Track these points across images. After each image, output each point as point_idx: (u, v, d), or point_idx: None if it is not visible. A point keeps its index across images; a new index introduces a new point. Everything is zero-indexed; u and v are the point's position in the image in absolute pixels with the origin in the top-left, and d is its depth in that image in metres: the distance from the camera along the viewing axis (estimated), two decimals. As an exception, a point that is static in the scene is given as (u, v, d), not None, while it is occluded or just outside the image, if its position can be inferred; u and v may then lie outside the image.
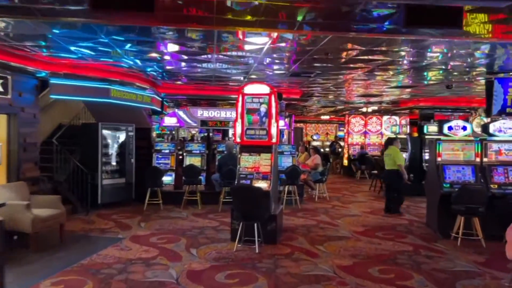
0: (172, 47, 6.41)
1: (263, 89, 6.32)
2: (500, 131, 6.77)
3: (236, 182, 6.26)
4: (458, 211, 6.24)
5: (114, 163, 8.96)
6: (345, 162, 17.13)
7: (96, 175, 8.39)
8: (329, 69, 7.57)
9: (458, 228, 6.29)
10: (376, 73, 8.20)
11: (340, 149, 18.77)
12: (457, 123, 6.93)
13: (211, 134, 11.10)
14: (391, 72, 8.07)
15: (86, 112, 9.82)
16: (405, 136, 11.92)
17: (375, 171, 12.19)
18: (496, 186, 6.56)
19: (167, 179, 9.44)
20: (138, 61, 7.20)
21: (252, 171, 6.36)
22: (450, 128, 6.94)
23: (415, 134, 12.31)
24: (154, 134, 19.33)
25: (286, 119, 11.66)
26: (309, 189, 11.00)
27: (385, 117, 16.98)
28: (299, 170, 9.28)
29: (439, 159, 6.93)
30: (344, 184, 14.14)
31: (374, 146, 17.08)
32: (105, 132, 8.81)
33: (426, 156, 11.74)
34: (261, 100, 6.32)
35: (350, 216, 8.46)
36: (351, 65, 7.44)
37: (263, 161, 6.35)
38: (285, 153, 9.93)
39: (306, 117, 23.45)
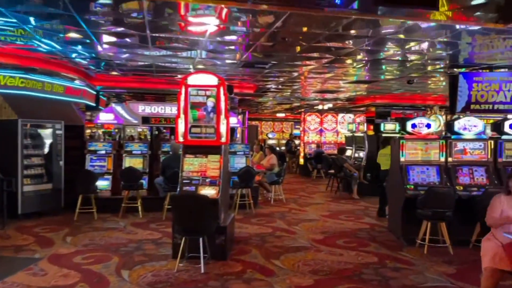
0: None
1: (210, 80, 5.44)
2: (465, 129, 6.37)
3: (178, 189, 5.34)
4: (424, 216, 5.73)
5: (38, 166, 7.68)
6: (301, 161, 16.62)
7: (14, 181, 7.10)
8: (285, 59, 6.83)
9: (424, 234, 5.79)
10: (333, 64, 7.57)
11: (296, 148, 18.26)
12: (421, 120, 6.45)
13: (160, 133, 10.02)
14: (348, 62, 7.45)
15: (6, 108, 8.42)
16: (361, 134, 11.52)
17: (332, 171, 11.70)
18: (461, 187, 6.13)
19: (103, 183, 8.30)
20: (55, 45, 6.04)
21: (198, 175, 5.46)
22: (413, 125, 6.45)
23: (371, 132, 11.95)
24: (100, 132, 17.78)
25: (239, 116, 10.87)
26: (264, 191, 10.26)
27: (340, 115, 16.66)
28: (253, 171, 8.50)
29: (402, 159, 6.41)
30: (300, 184, 13.57)
31: (330, 145, 16.71)
32: (28, 130, 7.53)
33: (383, 155, 11.46)
34: (208, 93, 5.44)
35: (308, 221, 7.80)
36: (308, 55, 6.76)
37: (211, 164, 5.48)
38: (238, 153, 9.11)
39: (261, 114, 22.80)
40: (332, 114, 16.81)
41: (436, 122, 11.46)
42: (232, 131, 10.47)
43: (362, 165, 11.09)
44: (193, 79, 5.44)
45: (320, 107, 14.68)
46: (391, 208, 6.97)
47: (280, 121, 23.82)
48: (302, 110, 17.30)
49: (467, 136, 6.37)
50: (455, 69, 6.78)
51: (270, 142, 21.74)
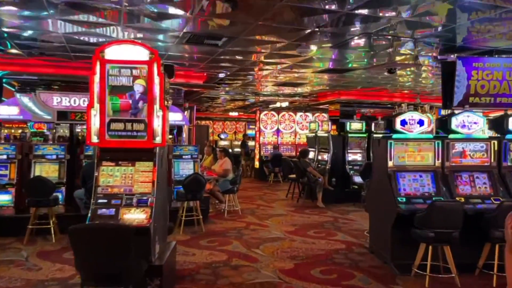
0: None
1: (139, 53, 3.78)
2: (463, 126, 5.20)
3: (89, 215, 3.63)
4: (425, 238, 4.44)
5: None
6: (257, 164, 15.19)
7: None
8: (242, 31, 5.27)
9: (422, 259, 4.52)
10: (296, 50, 6.19)
11: (250, 150, 16.81)
12: (412, 115, 5.22)
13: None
14: (311, 45, 6.04)
15: None
16: (325, 135, 10.27)
17: (293, 175, 10.35)
18: (462, 199, 4.94)
19: (4, 198, 6.30)
20: None
21: (120, 192, 3.77)
22: (403, 122, 5.20)
23: (334, 133, 10.75)
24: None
25: (186, 112, 9.19)
26: (216, 202, 8.66)
27: (298, 114, 15.45)
28: (203, 180, 6.89)
29: (390, 164, 5.12)
30: (257, 191, 12.11)
31: (287, 146, 15.45)
32: None
33: (349, 157, 10.28)
34: (135, 73, 3.78)
35: (271, 240, 6.32)
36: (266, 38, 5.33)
37: (140, 175, 3.82)
38: (184, 157, 7.44)
39: (212, 113, 21.11)
40: (290, 113, 15.55)
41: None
42: (179, 130, 8.76)
43: (326, 169, 9.83)
44: (113, 52, 3.75)
45: (278, 104, 13.36)
46: (374, 225, 5.67)
47: (233, 120, 22.27)
48: (257, 108, 15.90)
49: (467, 135, 5.21)
50: (451, 55, 5.65)
51: (223, 143, 20.11)
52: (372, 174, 5.73)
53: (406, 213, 4.70)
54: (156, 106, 3.76)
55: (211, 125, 21.70)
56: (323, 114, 15.09)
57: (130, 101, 3.77)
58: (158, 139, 3.78)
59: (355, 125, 10.26)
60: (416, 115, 5.21)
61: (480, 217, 4.65)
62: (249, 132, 21.39)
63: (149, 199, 3.70)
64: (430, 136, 5.28)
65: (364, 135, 10.27)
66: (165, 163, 4.24)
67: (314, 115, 15.37)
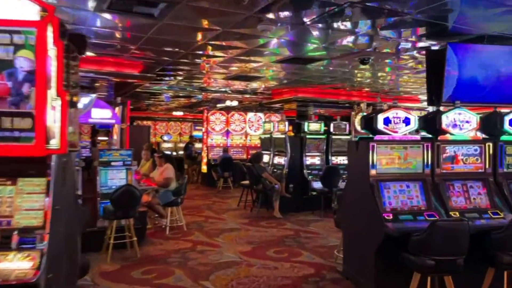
0: None
1: (23, 8, 2.43)
2: (454, 126, 4.36)
3: None
4: (423, 267, 3.49)
5: None
6: (204, 168, 13.89)
7: None
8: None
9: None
10: (257, 26, 5.09)
11: (196, 153, 15.45)
12: (396, 113, 4.31)
13: None
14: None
15: None
16: (282, 136, 9.26)
17: (245, 182, 9.23)
18: (457, 213, 4.08)
19: None
20: None
21: (-10, 226, 2.40)
22: (387, 121, 4.27)
23: (290, 134, 9.78)
24: None
25: (118, 109, 7.68)
26: (156, 216, 7.30)
27: (250, 114, 14.38)
28: (137, 192, 5.53)
29: (373, 172, 4.14)
30: (204, 199, 10.83)
31: (238, 149, 14.30)
32: None
33: (307, 160, 9.36)
34: (16, 39, 2.42)
35: (225, 267, 5.12)
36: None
37: (24, 200, 2.46)
38: (114, 163, 5.99)
39: (154, 112, 19.45)
40: (240, 113, 14.44)
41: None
42: (108, 130, 7.27)
43: (283, 174, 8.81)
44: (-24, 4, 2.37)
45: (227, 103, 12.18)
46: (350, 245, 4.67)
47: (178, 121, 20.71)
48: (205, 107, 14.60)
49: (458, 136, 4.37)
50: (437, 42, 4.81)
51: (166, 146, 18.54)
52: (346, 184, 4.73)
53: (397, 234, 3.73)
54: (51, 92, 2.44)
55: (153, 125, 19.99)
56: (276, 115, 14.16)
57: (9, 84, 2.41)
58: (54, 143, 2.45)
59: (313, 125, 9.36)
60: (402, 113, 4.29)
61: (480, 235, 3.80)
62: (196, 133, 19.99)
63: (38, 238, 2.36)
64: (419, 137, 4.38)
65: (323, 136, 9.41)
66: (71, 179, 2.90)
67: (266, 114, 14.37)
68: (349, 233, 4.73)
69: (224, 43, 5.53)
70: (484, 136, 4.74)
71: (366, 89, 9.88)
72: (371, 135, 4.42)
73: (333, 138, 9.47)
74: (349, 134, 9.68)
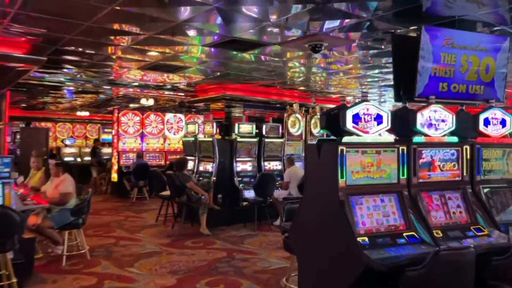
0: None
1: None
2: (430, 125, 3.63)
3: None
4: (419, 312, 2.62)
5: None
6: (114, 176, 12.07)
7: None
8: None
9: None
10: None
11: (105, 159, 13.51)
12: (367, 108, 3.43)
13: None
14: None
15: None
16: (209, 139, 8.09)
17: (166, 193, 7.89)
18: (439, 232, 3.33)
19: None
20: None
21: None
22: (356, 118, 3.38)
23: (218, 137, 8.65)
24: None
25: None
26: (49, 242, 5.63)
27: (169, 115, 12.91)
28: (17, 217, 3.95)
29: (341, 182, 3.21)
30: (115, 213, 9.18)
31: (155, 154, 12.75)
32: None
33: (238, 166, 8.32)
34: None
35: (142, 313, 3.82)
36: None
37: None
38: (-19, 177, 4.29)
39: (54, 113, 16.84)
40: (157, 114, 12.91)
41: (297, 124, 9.07)
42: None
43: (211, 182, 7.63)
44: None
45: (143, 101, 10.59)
46: (311, 278, 3.67)
47: (84, 122, 18.23)
48: (115, 107, 12.78)
49: (433, 138, 3.65)
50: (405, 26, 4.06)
51: (69, 151, 16.09)
52: (304, 198, 3.75)
53: (380, 266, 2.83)
54: None
55: (53, 128, 17.33)
56: (198, 116, 12.91)
57: None
58: None
59: (245, 127, 8.35)
60: (373, 108, 3.42)
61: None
62: (105, 137, 17.79)
63: None
64: (392, 140, 3.57)
65: (255, 139, 8.45)
66: None
67: (187, 116, 13.01)
68: (307, 260, 3.74)
69: (137, 10, 4.15)
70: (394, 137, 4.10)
71: (301, 87, 9.14)
72: (333, 137, 3.51)
73: (266, 142, 8.57)
74: (282, 137, 8.87)
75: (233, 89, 8.69)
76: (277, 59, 6.30)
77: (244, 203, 7.98)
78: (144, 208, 9.96)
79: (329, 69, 7.36)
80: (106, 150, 14.84)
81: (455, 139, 3.75)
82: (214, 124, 8.13)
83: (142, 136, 12.48)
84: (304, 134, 9.29)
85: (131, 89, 9.65)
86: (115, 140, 12.21)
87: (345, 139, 3.31)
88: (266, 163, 8.63)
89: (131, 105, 13.95)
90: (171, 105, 14.20)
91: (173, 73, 7.17)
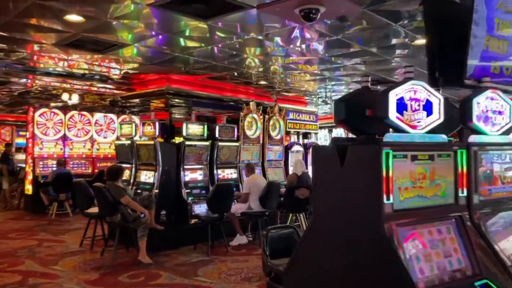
0: None
1: None
2: (486, 119, 2.56)
3: None
4: None
5: None
6: (29, 188, 9.90)
7: None
8: None
9: None
10: None
11: (18, 167, 11.22)
12: (413, 88, 2.25)
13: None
14: None
15: None
16: (151, 142, 6.54)
17: (94, 210, 6.20)
18: (517, 277, 2.25)
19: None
20: None
21: None
22: (401, 105, 2.20)
23: (160, 140, 7.11)
24: None
25: None
26: None
27: (98, 115, 11.00)
28: None
29: (387, 207, 1.99)
30: (27, 236, 7.22)
31: (81, 161, 10.75)
32: None
33: (186, 176, 6.87)
34: None
35: None
36: None
37: None
38: None
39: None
40: (83, 114, 10.94)
41: (254, 126, 7.84)
42: None
43: (153, 196, 6.09)
44: None
45: (64, 97, 8.61)
46: None
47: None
48: (30, 105, 10.59)
49: (494, 138, 2.58)
50: None
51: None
52: (311, 228, 2.44)
53: None
54: None
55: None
56: (133, 116, 11.14)
57: None
58: None
59: (194, 128, 6.91)
60: (422, 91, 2.25)
61: None
62: (20, 141, 15.20)
63: None
64: (444, 139, 2.41)
65: (207, 143, 7.05)
66: None
67: (120, 117, 11.17)
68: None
69: None
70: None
71: (262, 81, 7.85)
72: (358, 135, 2.31)
73: (220, 146, 7.21)
74: (237, 140, 7.57)
75: (179, 81, 7.21)
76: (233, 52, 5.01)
77: (194, 221, 6.54)
78: (65, 227, 8.07)
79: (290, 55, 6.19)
80: (21, 156, 12.47)
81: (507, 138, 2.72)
82: (157, 124, 6.59)
83: (64, 139, 10.45)
84: (262, 137, 8.08)
85: (50, 80, 7.71)
86: (30, 145, 10.06)
87: (394, 136, 2.11)
88: (219, 171, 7.26)
89: (52, 104, 11.79)
90: (100, 105, 12.24)
91: (102, 54, 5.54)
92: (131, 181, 6.70)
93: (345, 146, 2.21)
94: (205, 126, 7.02)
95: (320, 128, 9.76)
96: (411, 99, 2.21)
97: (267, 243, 3.18)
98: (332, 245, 2.27)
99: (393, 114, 2.12)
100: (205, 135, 7.03)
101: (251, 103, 7.93)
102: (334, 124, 14.12)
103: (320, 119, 9.68)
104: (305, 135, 9.72)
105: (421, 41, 4.98)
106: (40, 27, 4.55)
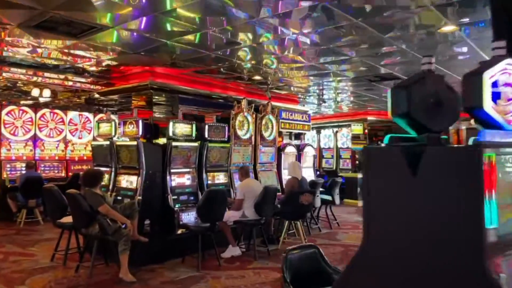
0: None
1: None
2: None
3: None
4: None
5: None
6: (-6, 194, 8.95)
7: None
8: None
9: None
10: None
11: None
12: (507, 68, 1.73)
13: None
14: None
15: None
16: (133, 143, 5.82)
17: (68, 219, 5.43)
18: None
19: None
20: None
21: None
22: (496, 96, 1.64)
23: (143, 140, 6.38)
24: None
25: None
26: None
27: (72, 113, 10.14)
28: None
29: (491, 235, 1.42)
30: (-13, 251, 6.36)
31: (53, 163, 9.86)
32: None
33: (173, 180, 6.20)
34: None
35: None
36: None
37: None
38: None
39: None
40: (55, 112, 10.05)
41: (245, 125, 7.24)
42: None
43: (135, 204, 5.38)
44: None
45: (35, 92, 7.72)
46: None
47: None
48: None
49: None
50: None
51: None
52: (363, 255, 1.85)
53: None
54: None
55: None
56: (112, 116, 10.32)
57: None
58: None
59: (182, 128, 6.23)
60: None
61: None
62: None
63: None
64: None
65: (195, 144, 6.38)
66: None
67: (97, 115, 10.32)
68: None
69: None
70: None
71: (256, 77, 7.20)
72: (421, 132, 1.74)
73: (210, 147, 6.55)
74: (228, 141, 6.93)
75: (164, 75, 6.49)
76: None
77: (182, 231, 5.86)
78: (35, 238, 7.22)
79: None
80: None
81: None
82: (140, 122, 5.88)
83: (34, 140, 9.56)
84: (254, 138, 7.46)
85: (18, 72, 6.85)
86: (-5, 145, 9.12)
87: (488, 135, 1.54)
88: (209, 175, 6.61)
89: (21, 102, 10.81)
90: (74, 103, 11.32)
91: (78, 39, 4.77)
92: (110, 187, 5.95)
93: (415, 148, 1.62)
94: (194, 125, 6.35)
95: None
96: (505, 85, 1.64)
97: (287, 268, 2.57)
98: (398, 281, 1.68)
99: (488, 104, 1.55)
100: (194, 135, 6.36)
101: (242, 100, 7.30)
102: (323, 125, 13.61)
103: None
104: (297, 136, 9.16)
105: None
106: (2, 1, 3.78)
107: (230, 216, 5.96)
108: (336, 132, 13.44)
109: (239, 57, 5.85)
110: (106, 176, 5.89)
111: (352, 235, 7.62)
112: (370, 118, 12.16)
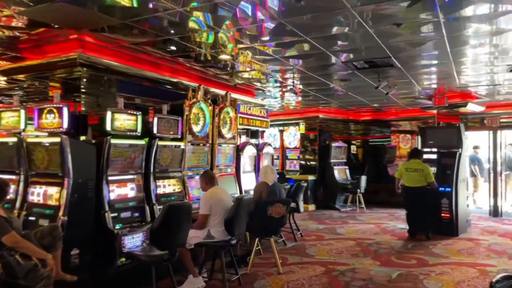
0: None
1: None
2: None
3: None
4: None
5: None
6: None
7: None
8: None
9: None
10: None
11: None
12: None
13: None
14: None
15: None
16: (54, 140, 4.08)
17: None
18: None
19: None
20: None
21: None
22: None
23: (83, 138, 4.63)
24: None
25: None
26: None
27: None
28: None
29: None
30: None
31: None
32: None
33: (112, 192, 4.56)
34: None
35: None
36: None
37: None
38: None
39: None
40: None
41: (201, 120, 5.87)
42: None
43: (59, 228, 3.70)
44: None
45: None
46: None
47: None
48: None
49: None
50: None
51: None
52: None
53: None
54: None
55: None
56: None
57: None
58: None
59: (124, 120, 4.61)
60: None
61: None
62: None
63: None
64: None
65: (141, 141, 4.82)
66: None
67: (29, 109, 7.94)
68: None
69: None
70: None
71: (224, 56, 5.70)
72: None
73: (160, 146, 5.03)
74: (182, 138, 5.46)
75: (98, 48, 4.74)
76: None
77: (124, 261, 4.29)
78: None
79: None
80: None
81: None
82: (65, 110, 4.16)
83: None
84: (212, 136, 6.06)
85: None
86: None
87: None
88: (159, 183, 5.08)
89: None
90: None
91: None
92: (18, 203, 4.15)
93: None
94: (139, 117, 4.77)
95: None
96: None
97: None
98: None
99: None
100: (139, 130, 4.79)
101: (199, 88, 5.85)
102: (287, 122, 12.33)
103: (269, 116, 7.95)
104: (254, 134, 7.91)
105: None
106: None
107: (191, 237, 4.51)
108: (282, 131, 12.49)
109: (191, 29, 4.42)
110: (12, 188, 4.08)
111: (321, 247, 6.60)
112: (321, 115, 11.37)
